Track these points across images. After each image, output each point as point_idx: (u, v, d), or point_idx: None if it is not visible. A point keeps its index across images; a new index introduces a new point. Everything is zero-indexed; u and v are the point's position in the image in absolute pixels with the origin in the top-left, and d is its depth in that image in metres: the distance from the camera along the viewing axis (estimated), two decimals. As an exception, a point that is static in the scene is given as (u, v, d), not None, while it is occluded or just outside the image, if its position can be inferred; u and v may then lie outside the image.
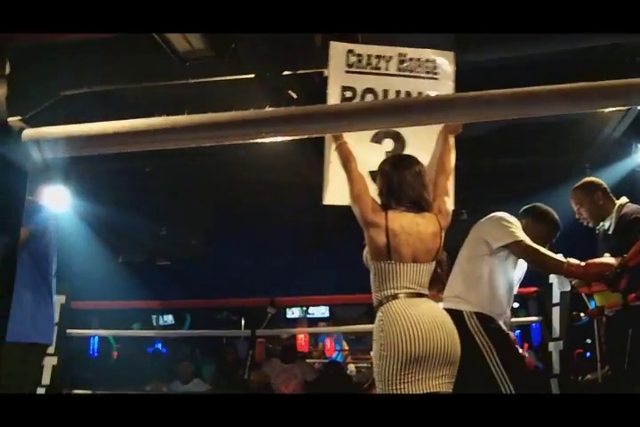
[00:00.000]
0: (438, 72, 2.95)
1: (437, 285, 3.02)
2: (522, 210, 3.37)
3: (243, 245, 7.80)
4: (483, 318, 3.01)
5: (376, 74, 2.90)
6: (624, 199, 3.52)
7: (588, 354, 4.85)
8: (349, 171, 2.76)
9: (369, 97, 2.86)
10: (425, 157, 2.83)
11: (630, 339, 3.13)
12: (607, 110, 4.76)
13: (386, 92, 2.90)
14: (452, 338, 2.53)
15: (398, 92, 2.91)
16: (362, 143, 2.82)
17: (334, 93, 2.87)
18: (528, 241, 3.08)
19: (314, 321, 10.54)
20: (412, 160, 2.75)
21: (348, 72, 2.91)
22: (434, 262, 2.67)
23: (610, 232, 3.47)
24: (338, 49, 2.93)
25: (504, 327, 3.09)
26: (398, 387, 2.49)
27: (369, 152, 2.83)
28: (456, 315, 2.83)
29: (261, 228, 7.66)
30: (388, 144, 2.93)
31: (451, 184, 2.84)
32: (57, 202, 5.14)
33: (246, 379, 3.93)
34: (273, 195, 6.73)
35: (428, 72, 2.94)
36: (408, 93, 2.90)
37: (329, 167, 2.89)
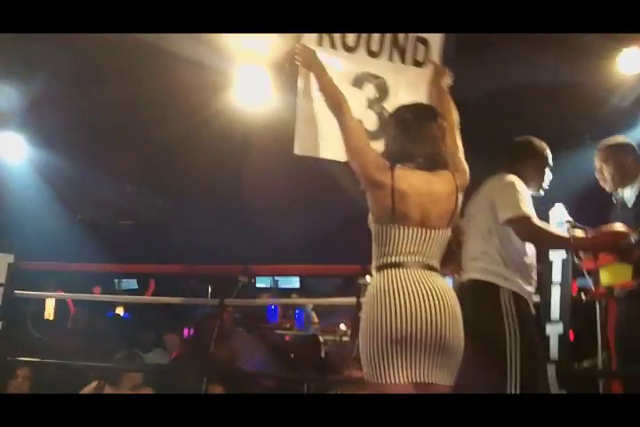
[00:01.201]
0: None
1: (452, 263, 2.60)
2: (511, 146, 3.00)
3: (213, 208, 7.39)
4: (518, 300, 2.65)
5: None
6: None
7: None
8: (344, 116, 2.35)
9: (351, 36, 2.66)
10: None
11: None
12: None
13: (369, 34, 2.70)
14: (455, 325, 2.14)
15: (383, 35, 2.71)
16: (340, 85, 2.50)
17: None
18: (534, 218, 2.69)
19: (285, 292, 10.29)
20: (435, 111, 2.37)
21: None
22: (448, 230, 2.26)
23: (630, 205, 3.12)
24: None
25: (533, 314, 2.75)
26: (381, 373, 2.11)
27: (346, 97, 2.46)
28: (488, 289, 2.55)
29: (235, 192, 7.27)
30: (369, 90, 2.68)
31: (459, 139, 2.47)
32: (9, 151, 4.69)
33: (212, 351, 3.55)
34: (249, 157, 6.31)
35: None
36: (394, 37, 2.72)
37: (303, 104, 2.60)
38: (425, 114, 2.35)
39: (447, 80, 2.70)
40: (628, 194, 3.19)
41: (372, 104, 2.67)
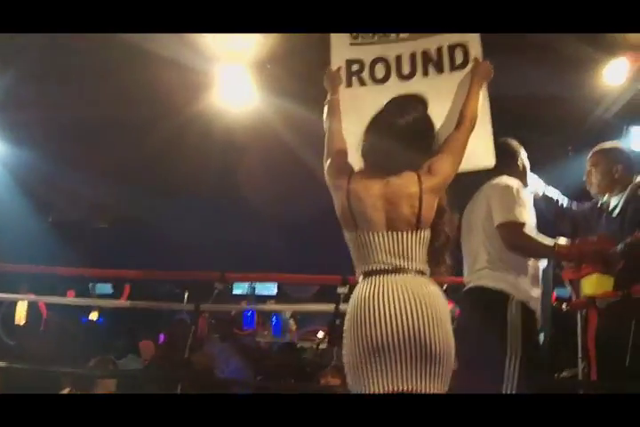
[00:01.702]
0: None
1: (435, 260, 2.53)
2: None
3: (192, 212, 7.29)
4: (526, 313, 2.57)
5: (386, 42, 2.60)
6: None
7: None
8: (328, 127, 2.40)
9: (379, 67, 2.56)
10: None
11: (633, 332, 2.78)
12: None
13: (399, 58, 2.57)
14: (441, 331, 2.05)
15: (413, 55, 2.58)
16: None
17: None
18: (524, 226, 2.64)
19: (262, 298, 10.20)
20: (412, 104, 2.27)
21: (352, 44, 2.63)
22: (425, 231, 2.17)
23: (614, 214, 3.09)
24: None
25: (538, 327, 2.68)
26: (362, 382, 2.06)
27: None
28: (495, 297, 2.49)
29: (218, 193, 7.18)
30: None
31: (463, 139, 2.33)
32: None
33: (186, 357, 3.46)
34: (232, 161, 6.23)
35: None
36: (425, 53, 2.56)
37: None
38: (396, 109, 2.26)
39: (483, 73, 2.50)
40: (614, 202, 3.16)
41: None
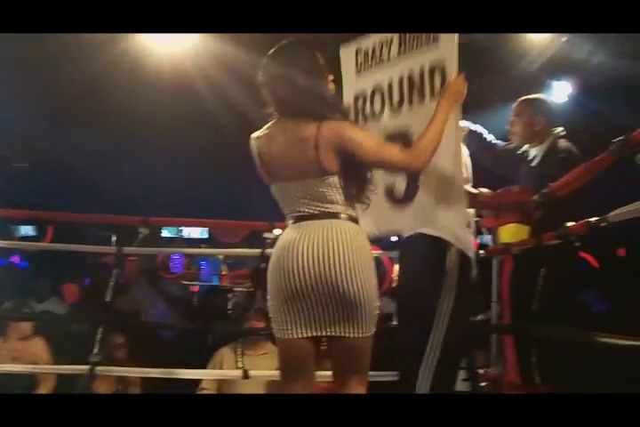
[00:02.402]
0: (439, 36, 2.47)
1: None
2: None
3: (119, 154, 7.11)
4: (464, 260, 2.60)
5: (381, 66, 2.64)
6: (560, 131, 3.23)
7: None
8: None
9: (377, 99, 2.61)
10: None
11: (542, 279, 2.89)
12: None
13: (390, 85, 2.58)
14: (355, 275, 2.07)
15: (401, 80, 2.55)
16: None
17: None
18: None
19: (193, 242, 10.18)
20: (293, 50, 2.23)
21: (357, 73, 2.73)
22: (331, 177, 2.13)
23: (533, 164, 3.20)
24: (347, 51, 2.76)
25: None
26: (282, 326, 2.13)
27: None
28: (434, 245, 2.50)
29: (144, 139, 7.01)
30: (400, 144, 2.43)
31: (399, 163, 2.21)
32: None
33: (108, 301, 3.44)
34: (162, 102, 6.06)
35: (427, 40, 2.50)
36: (410, 78, 2.53)
37: None
38: (295, 54, 2.20)
39: (452, 94, 2.32)
40: (533, 153, 3.26)
41: None
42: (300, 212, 2.15)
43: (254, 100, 2.30)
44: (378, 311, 2.17)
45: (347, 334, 2.10)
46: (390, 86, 2.60)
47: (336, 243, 2.08)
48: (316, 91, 2.16)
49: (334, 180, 2.14)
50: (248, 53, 4.46)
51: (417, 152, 2.19)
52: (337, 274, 2.05)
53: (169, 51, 4.74)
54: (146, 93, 5.73)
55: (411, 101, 2.55)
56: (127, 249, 3.77)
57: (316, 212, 2.14)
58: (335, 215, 2.14)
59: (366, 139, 2.16)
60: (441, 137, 2.23)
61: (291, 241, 2.11)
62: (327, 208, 2.14)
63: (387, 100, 2.63)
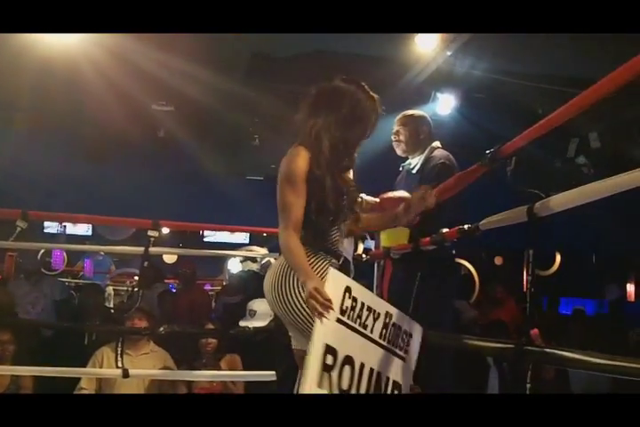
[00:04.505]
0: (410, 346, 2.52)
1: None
2: None
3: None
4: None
5: (361, 334, 2.31)
6: (437, 143, 3.45)
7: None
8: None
9: (346, 369, 2.22)
10: None
11: (418, 282, 3.05)
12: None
13: (362, 366, 2.30)
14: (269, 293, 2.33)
15: (371, 371, 2.33)
16: None
17: (316, 352, 2.12)
18: None
19: (77, 239, 9.85)
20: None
21: (339, 320, 2.20)
22: None
23: (414, 171, 3.37)
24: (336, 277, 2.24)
25: None
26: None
27: None
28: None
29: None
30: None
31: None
32: None
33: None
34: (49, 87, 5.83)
35: (401, 348, 2.48)
36: (379, 375, 2.36)
37: None
38: None
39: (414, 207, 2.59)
40: (414, 162, 3.44)
41: None
42: None
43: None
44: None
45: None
46: (362, 370, 2.35)
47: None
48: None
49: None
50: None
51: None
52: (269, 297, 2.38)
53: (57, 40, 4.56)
54: (30, 78, 5.52)
55: None
56: (2, 243, 3.63)
57: None
58: None
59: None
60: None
61: None
62: None
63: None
